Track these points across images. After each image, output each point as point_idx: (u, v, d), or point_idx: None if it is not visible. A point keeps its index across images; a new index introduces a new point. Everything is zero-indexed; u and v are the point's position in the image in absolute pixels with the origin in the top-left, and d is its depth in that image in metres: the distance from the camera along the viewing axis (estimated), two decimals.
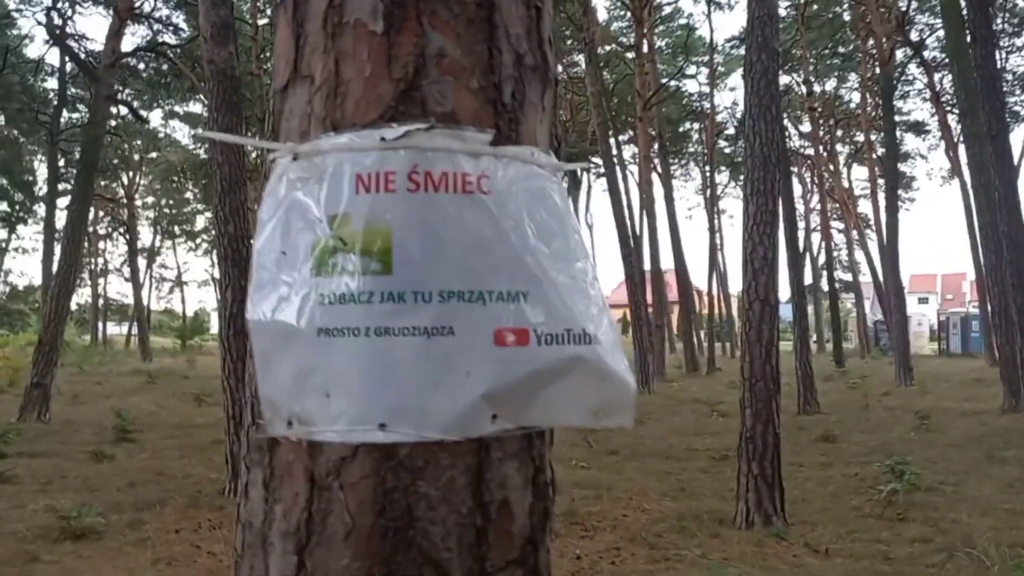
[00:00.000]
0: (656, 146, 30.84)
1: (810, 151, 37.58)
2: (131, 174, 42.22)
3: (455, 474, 0.85)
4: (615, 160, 24.96)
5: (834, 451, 10.39)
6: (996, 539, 5.98)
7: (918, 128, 37.95)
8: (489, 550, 0.85)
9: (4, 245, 38.88)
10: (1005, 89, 25.79)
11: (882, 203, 28.46)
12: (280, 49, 0.98)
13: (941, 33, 23.30)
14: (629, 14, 29.11)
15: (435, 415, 0.85)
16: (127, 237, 43.70)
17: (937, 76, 30.39)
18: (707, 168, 38.09)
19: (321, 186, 0.91)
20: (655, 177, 30.64)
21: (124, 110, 23.90)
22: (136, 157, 41.46)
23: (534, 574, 0.89)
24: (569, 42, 30.48)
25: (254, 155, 23.56)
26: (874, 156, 35.20)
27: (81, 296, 50.29)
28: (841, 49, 34.01)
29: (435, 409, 0.85)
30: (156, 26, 21.68)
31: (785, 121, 34.18)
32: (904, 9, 25.75)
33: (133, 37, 22.27)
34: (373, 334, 0.86)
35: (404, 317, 0.86)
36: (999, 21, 25.98)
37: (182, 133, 43.37)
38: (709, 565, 5.19)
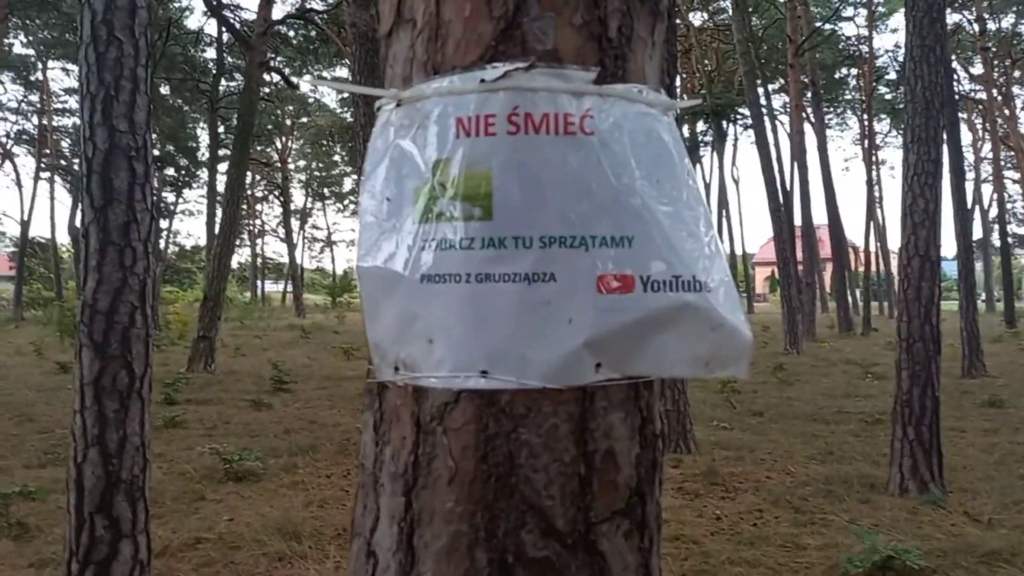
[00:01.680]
0: (809, 94, 29.36)
1: (982, 95, 34.70)
2: (284, 139, 44.27)
3: (557, 422, 0.84)
4: (764, 110, 23.95)
5: (1001, 416, 9.73)
6: None
7: None
8: (593, 499, 0.84)
9: (172, 208, 41.70)
10: None
11: None
12: None
13: None
14: None
15: (536, 362, 0.83)
16: (281, 199, 46.00)
17: None
18: (865, 116, 35.93)
19: (423, 132, 0.90)
20: (807, 127, 29.23)
21: (276, 77, 24.95)
22: (288, 122, 43.37)
23: (641, 525, 0.87)
24: None
25: None
26: None
27: (241, 255, 53.50)
28: None
29: (536, 356, 0.83)
30: None
31: (953, 63, 31.74)
32: None
33: (283, 5, 23.15)
34: (474, 280, 0.85)
35: (504, 263, 0.85)
36: None
37: (330, 97, 44.98)
38: (856, 530, 4.99)
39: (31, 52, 33.61)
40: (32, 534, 5.15)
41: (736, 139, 39.62)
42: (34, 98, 36.25)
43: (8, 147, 36.77)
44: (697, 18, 33.71)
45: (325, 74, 32.41)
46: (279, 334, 23.48)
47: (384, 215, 0.92)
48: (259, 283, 53.15)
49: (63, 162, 36.29)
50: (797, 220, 25.81)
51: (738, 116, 31.70)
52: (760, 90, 25.23)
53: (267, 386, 11.70)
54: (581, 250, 0.84)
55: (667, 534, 5.19)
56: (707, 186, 40.55)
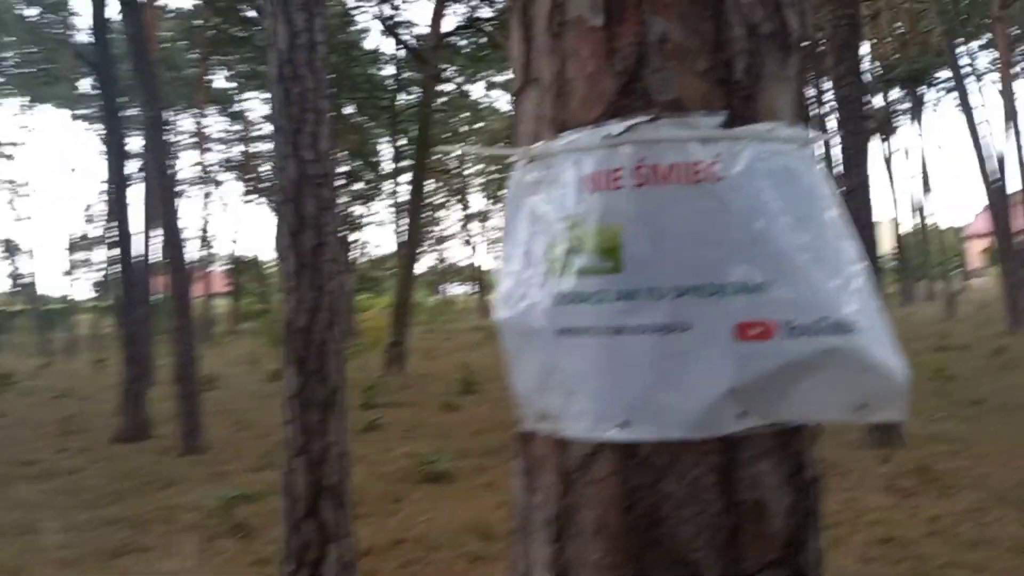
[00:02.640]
0: (1021, 48, 26.70)
1: None
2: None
3: (701, 473, 0.83)
4: (967, 72, 22.06)
5: None
6: None
7: None
8: (744, 551, 0.82)
9: (361, 220, 44.04)
10: None
11: None
12: (514, 54, 1.00)
13: None
14: None
15: (676, 413, 0.83)
16: (461, 204, 47.46)
17: None
18: None
19: (554, 187, 0.92)
20: (1020, 85, 26.58)
21: (450, 87, 25.76)
22: (463, 129, 44.65)
23: (799, 575, 0.84)
24: None
25: None
26: None
27: (426, 261, 55.59)
28: None
29: (676, 407, 0.83)
30: (472, 2, 23.02)
31: None
32: None
33: (454, 16, 23.85)
34: (608, 333, 0.86)
35: (638, 315, 0.85)
36: None
37: (502, 101, 45.91)
38: None
39: (232, 85, 36.58)
40: (253, 534, 5.63)
41: (938, 104, 36.53)
42: (237, 127, 39.49)
43: (216, 175, 40.28)
44: None
45: (496, 79, 33.14)
46: (465, 336, 24.25)
47: (521, 267, 0.95)
48: (442, 287, 55.10)
49: (264, 184, 39.24)
50: (1014, 187, 23.55)
51: (937, 80, 29.30)
52: (962, 49, 23.26)
53: (456, 388, 12.12)
54: (716, 298, 0.83)
55: (877, 536, 4.92)
56: (906, 156, 37.73)
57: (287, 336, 4.18)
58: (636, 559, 0.83)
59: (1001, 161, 22.14)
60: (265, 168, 39.00)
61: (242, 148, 39.80)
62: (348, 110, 30.02)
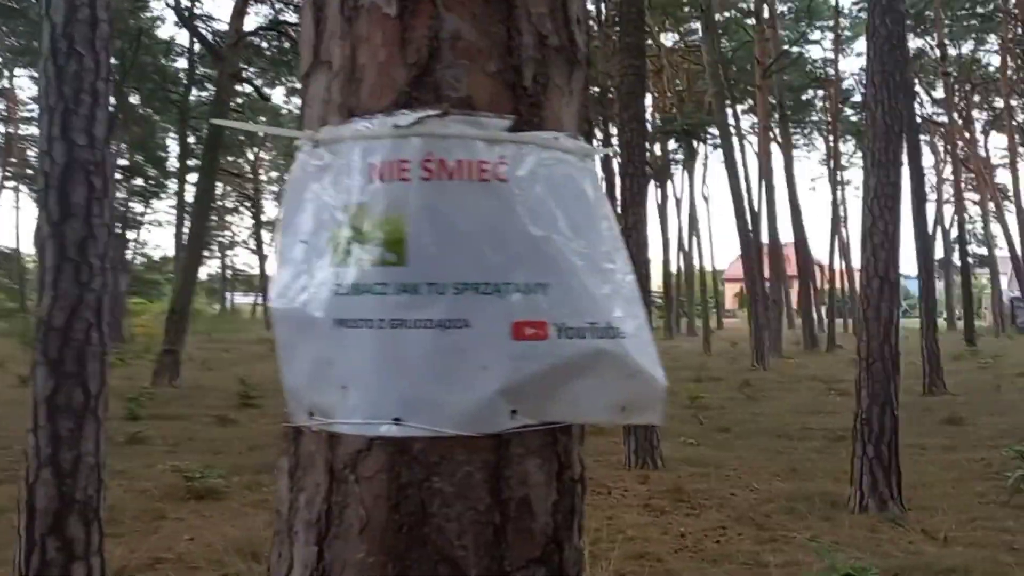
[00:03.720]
0: (776, 115, 29.77)
1: (943, 118, 35.39)
2: (255, 150, 44.02)
3: (472, 470, 0.83)
4: (733, 130, 24.25)
5: (960, 434, 9.88)
6: None
7: None
8: (507, 549, 0.83)
9: (140, 218, 41.25)
10: None
11: (1022, 172, 26.63)
12: (304, 35, 0.97)
13: None
14: None
15: (450, 409, 0.83)
16: (252, 211, 45.69)
17: None
18: (830, 137, 36.49)
19: (339, 175, 0.89)
20: (775, 147, 29.62)
21: (248, 88, 24.84)
22: (260, 133, 43.15)
23: (558, 574, 0.86)
24: (686, 9, 29.66)
25: None
26: (1014, 123, 32.83)
27: (211, 267, 52.98)
28: (980, 9, 31.74)
29: (450, 403, 0.83)
30: (277, 4, 22.38)
31: (916, 87, 32.32)
32: None
33: (256, 16, 23.09)
34: (388, 326, 0.84)
35: (418, 309, 0.84)
36: None
37: None
38: (818, 548, 5.03)
39: None
40: None
41: (707, 158, 39.93)
42: (0, 106, 35.77)
43: None
44: (668, 39, 34.10)
45: (299, 86, 32.27)
46: (248, 347, 23.26)
47: (300, 257, 0.91)
48: (228, 294, 52.65)
49: (29, 171, 35.77)
50: (765, 238, 26.13)
51: (708, 135, 32.05)
52: (729, 111, 25.59)
53: (234, 401, 11.57)
54: (495, 297, 0.84)
55: (632, 552, 5.19)
56: (677, 203, 40.85)
57: (41, 335, 3.79)
58: (400, 558, 0.81)
59: (755, 214, 24.50)
60: (32, 153, 35.60)
61: (3, 129, 36.08)
62: (133, 100, 28.07)
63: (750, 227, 22.14)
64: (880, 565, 4.81)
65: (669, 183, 39.68)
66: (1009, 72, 32.21)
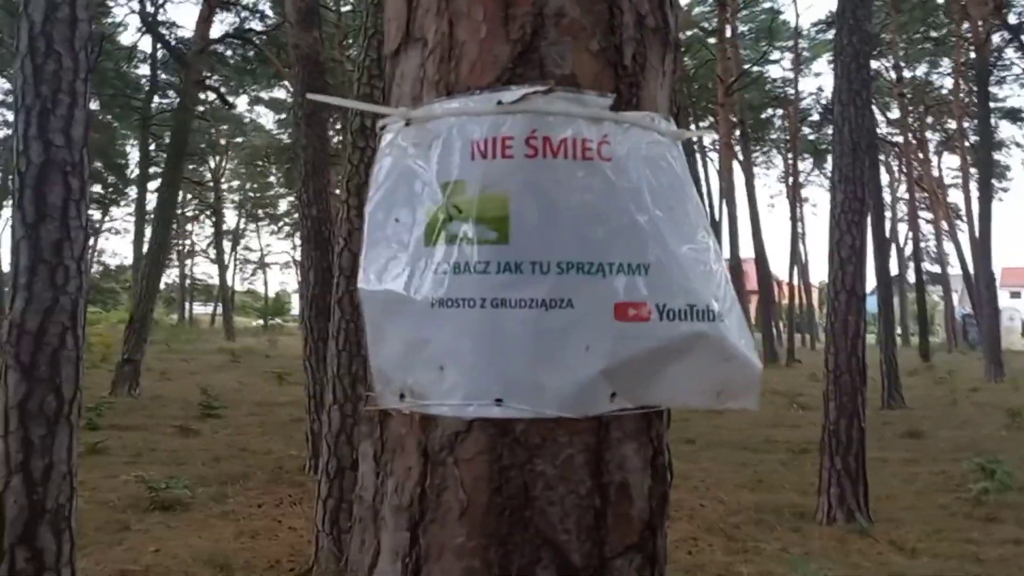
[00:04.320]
0: (737, 133, 30.21)
1: (898, 139, 36.23)
2: (218, 158, 43.49)
3: (573, 452, 0.82)
4: (695, 147, 24.55)
5: (920, 447, 10.06)
6: None
7: (1014, 115, 36.14)
8: (608, 533, 0.82)
9: (98, 226, 40.45)
10: None
11: (974, 192, 27.37)
12: (391, 12, 0.95)
13: None
14: None
15: (552, 391, 0.81)
16: (213, 220, 45.08)
17: None
18: (790, 155, 37.11)
19: (434, 152, 0.88)
20: (736, 165, 30.03)
21: (212, 95, 24.56)
22: (223, 142, 42.65)
23: (652, 560, 0.85)
24: None
25: (335, 140, 23.92)
26: (966, 144, 33.72)
27: (169, 276, 52.12)
28: (934, 33, 32.59)
29: (552, 385, 0.81)
30: (243, 13, 22.18)
31: (873, 107, 33.04)
32: None
33: (221, 24, 22.83)
34: (489, 305, 0.83)
35: (521, 288, 0.82)
36: None
37: (267, 119, 44.40)
38: (791, 559, 5.08)
39: None
40: None
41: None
42: None
43: None
44: None
45: (262, 95, 31.99)
46: (208, 357, 22.86)
47: (391, 235, 0.89)
48: (187, 304, 51.80)
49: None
50: (725, 254, 26.45)
51: (712, 134, 32.39)
52: (691, 128, 25.91)
53: (195, 412, 11.35)
54: (598, 276, 0.83)
55: None
56: None
57: (12, 338, 3.68)
58: (502, 542, 0.79)
59: (717, 229, 24.83)
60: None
61: None
62: (93, 106, 27.58)
63: None
64: None
65: None
66: (961, 95, 33.09)
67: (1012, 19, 26.97)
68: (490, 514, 0.80)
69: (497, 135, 0.84)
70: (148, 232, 18.47)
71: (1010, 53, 30.65)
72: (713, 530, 6.14)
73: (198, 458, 8.35)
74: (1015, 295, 67.78)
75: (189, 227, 50.78)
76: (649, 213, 0.85)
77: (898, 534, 6.12)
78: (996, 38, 27.39)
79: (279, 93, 34.95)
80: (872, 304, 17.73)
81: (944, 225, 39.22)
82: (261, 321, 48.18)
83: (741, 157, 30.74)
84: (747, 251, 29.33)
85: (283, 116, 36.07)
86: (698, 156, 25.24)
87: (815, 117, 37.24)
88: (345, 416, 5.03)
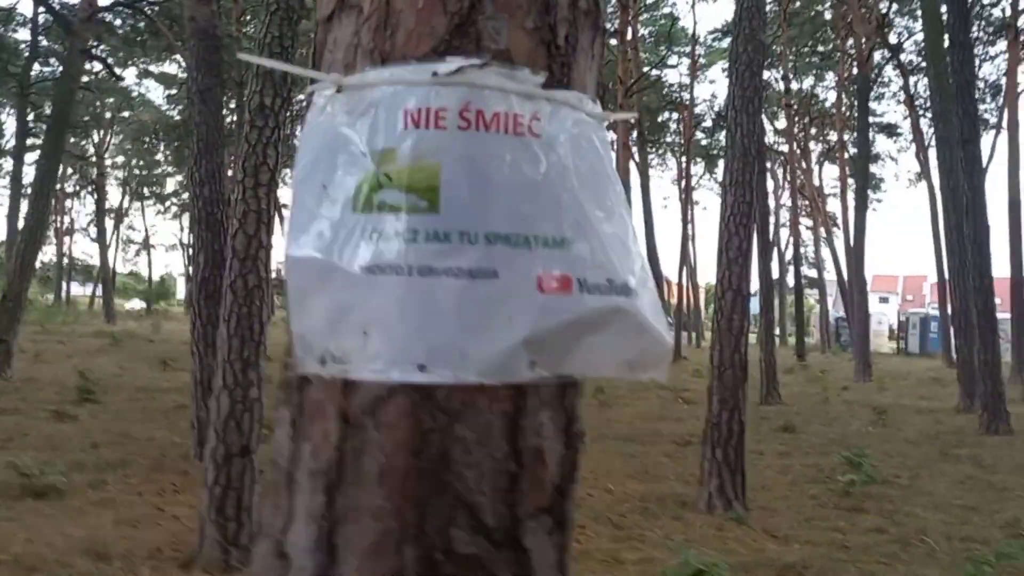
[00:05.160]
0: (635, 134, 30.88)
1: (784, 147, 37.85)
2: (102, 132, 41.45)
3: (492, 418, 0.84)
4: None
5: (794, 441, 10.58)
6: (948, 533, 6.15)
7: (890, 130, 38.36)
8: (521, 496, 0.85)
9: None
10: (977, 96, 26.16)
11: (851, 202, 28.88)
12: None
13: (919, 37, 23.57)
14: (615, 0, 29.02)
15: (475, 358, 0.83)
16: (95, 196, 42.98)
17: (912, 79, 30.70)
18: (683, 159, 38.23)
19: (367, 120, 0.88)
20: (632, 165, 30.70)
21: (98, 66, 23.41)
22: (108, 115, 40.67)
23: (562, 523, 0.89)
24: None
25: (228, 119, 23.18)
26: (846, 156, 35.57)
27: (46, 254, 49.44)
28: (820, 48, 34.23)
29: (475, 352, 0.83)
30: None
31: (762, 116, 34.40)
32: (884, 11, 25.99)
33: None
34: (416, 273, 0.84)
35: (448, 257, 0.84)
36: (975, 29, 26.30)
37: (156, 93, 42.60)
38: (672, 546, 5.26)
39: None
40: None
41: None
42: None
43: None
44: None
45: (152, 68, 30.63)
46: (86, 341, 21.82)
47: (319, 202, 0.89)
48: (64, 284, 49.19)
49: None
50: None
51: (634, 115, 32.86)
52: None
53: (72, 396, 10.83)
54: (524, 249, 0.85)
55: None
56: None
57: None
58: (420, 504, 0.81)
59: None
60: None
61: None
62: None
63: None
64: (728, 561, 5.08)
65: None
66: (843, 108, 34.87)
67: (892, 39, 28.61)
68: (408, 477, 0.82)
69: (431, 106, 0.86)
70: (24, 207, 17.44)
71: (889, 71, 32.58)
72: (600, 519, 6.29)
73: (75, 444, 7.99)
74: (884, 300, 72.07)
75: (69, 203, 48.31)
76: (574, 190, 0.89)
77: (772, 522, 6.43)
78: (877, 56, 29.00)
79: (170, 67, 33.63)
80: (754, 305, 18.52)
81: (822, 232, 41.27)
82: (144, 304, 46.25)
83: (637, 158, 31.46)
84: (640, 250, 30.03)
85: (174, 91, 34.70)
86: None
87: (708, 123, 38.54)
88: (235, 402, 4.91)
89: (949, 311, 18.74)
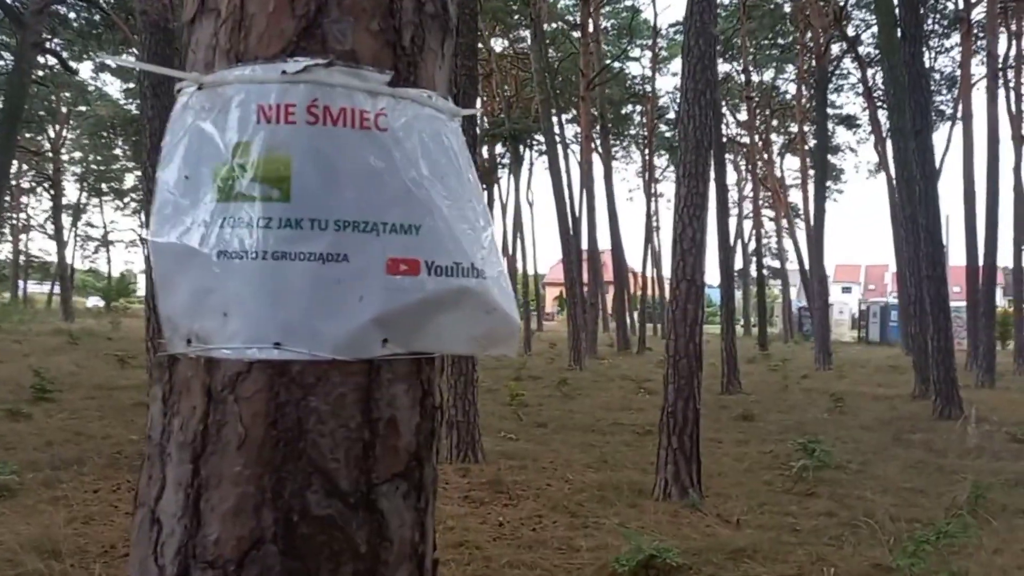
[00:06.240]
0: (598, 127, 31.02)
1: (746, 139, 38.28)
2: (57, 127, 40.71)
3: (345, 391, 0.90)
4: (557, 138, 25.08)
5: (752, 429, 10.74)
6: (895, 515, 6.31)
7: (849, 122, 38.90)
8: (375, 463, 0.91)
9: None
10: (932, 88, 26.64)
11: (811, 193, 29.28)
12: None
13: (875, 30, 23.95)
14: None
15: (327, 336, 0.90)
16: (51, 192, 42.21)
17: (870, 72, 31.18)
18: (647, 151, 38.49)
19: (224, 115, 0.94)
20: (596, 158, 30.87)
21: (52, 60, 23.01)
22: (64, 110, 39.96)
23: (418, 487, 0.95)
24: (516, 17, 30.34)
25: None
26: (806, 147, 36.04)
27: (1, 252, 48.55)
28: (780, 40, 34.63)
29: (327, 330, 0.90)
30: None
31: (723, 109, 34.80)
32: (841, 4, 26.35)
33: None
34: (271, 258, 0.90)
35: (301, 243, 0.90)
36: (929, 22, 26.79)
37: (113, 87, 41.95)
38: (625, 532, 5.35)
39: None
40: None
41: (532, 164, 41.01)
42: None
43: None
44: (498, 44, 34.78)
45: (109, 61, 30.16)
46: (43, 339, 21.47)
47: (181, 192, 0.95)
48: (20, 282, 48.28)
49: None
50: (584, 244, 27.19)
51: (534, 142, 32.97)
52: (554, 119, 26.44)
53: (27, 395, 10.67)
54: (373, 235, 0.92)
55: (451, 541, 5.30)
56: (503, 207, 41.61)
57: None
58: (276, 470, 0.86)
59: (576, 220, 25.53)
60: None
61: None
62: None
63: (571, 232, 23.01)
64: (680, 547, 5.17)
65: (496, 187, 40.40)
66: (803, 100, 35.33)
67: (850, 31, 29.02)
68: (265, 446, 0.88)
69: (281, 102, 0.92)
70: None
71: (847, 63, 33.03)
72: (557, 508, 6.37)
73: (29, 443, 7.89)
74: (846, 290, 73.11)
75: (24, 200, 47.41)
76: (422, 180, 0.95)
77: (725, 508, 6.54)
78: (835, 48, 29.44)
79: (129, 60, 33.08)
80: (716, 296, 18.77)
81: (784, 223, 41.81)
82: (103, 302, 45.59)
83: (601, 151, 31.62)
84: (605, 242, 30.24)
85: (131, 85, 34.22)
86: (560, 147, 25.74)
87: (671, 115, 38.80)
88: None
89: (906, 300, 19.12)
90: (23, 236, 49.03)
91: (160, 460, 0.93)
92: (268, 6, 0.93)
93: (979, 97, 27.39)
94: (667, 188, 45.03)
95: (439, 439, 0.98)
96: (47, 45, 19.52)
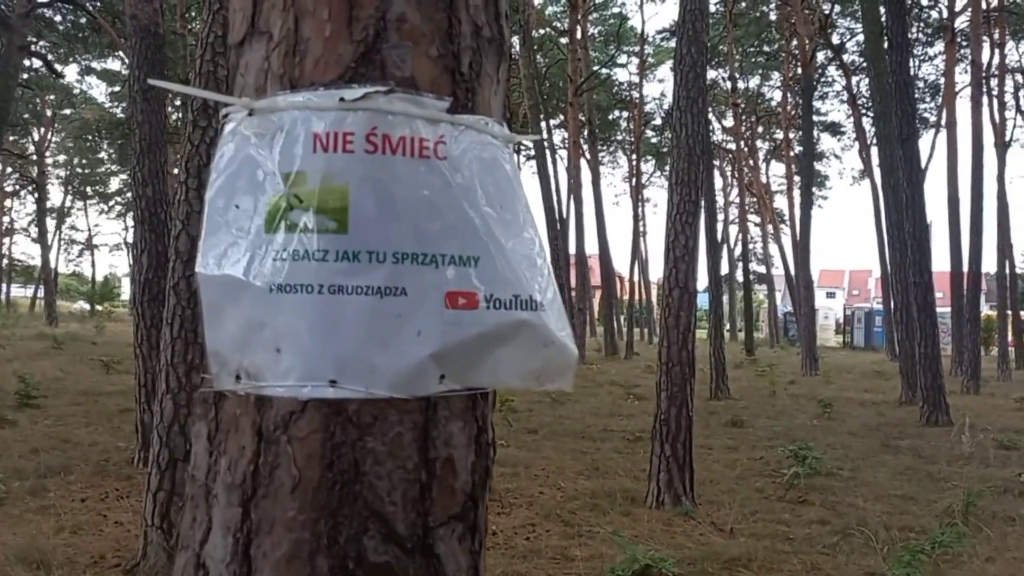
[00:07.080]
0: (585, 132, 31.08)
1: (732, 146, 38.43)
2: (42, 130, 40.36)
3: (402, 430, 0.87)
4: (545, 144, 25.10)
5: (741, 435, 10.76)
6: (887, 523, 6.33)
7: (834, 129, 39.17)
8: (432, 505, 0.88)
9: None
10: (916, 96, 26.82)
11: (797, 199, 29.44)
12: (236, 3, 0.97)
13: (861, 38, 24.12)
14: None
15: (384, 373, 0.86)
16: (36, 196, 41.81)
17: (855, 79, 31.41)
18: (634, 157, 38.59)
19: (276, 143, 0.91)
20: (583, 163, 30.91)
21: (38, 63, 22.79)
22: (49, 113, 39.63)
23: (473, 529, 0.92)
24: None
25: (175, 116, 22.77)
26: (791, 154, 36.26)
27: None
28: (766, 48, 34.82)
29: (384, 367, 0.86)
30: None
31: (710, 115, 34.95)
32: (827, 12, 26.53)
33: None
34: (326, 291, 0.87)
35: (358, 276, 0.87)
36: (914, 30, 27.00)
37: (99, 90, 41.66)
38: (619, 541, 5.33)
39: None
40: None
41: (519, 168, 40.95)
42: None
43: None
44: None
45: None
46: (27, 344, 21.23)
47: (231, 222, 0.91)
48: (4, 287, 47.77)
49: None
50: (572, 249, 27.21)
51: (522, 147, 33.01)
52: (543, 124, 26.46)
53: (11, 401, 10.54)
54: (431, 267, 0.89)
55: None
56: None
57: None
58: (332, 514, 0.83)
59: (564, 225, 25.55)
60: None
61: None
62: None
63: (559, 237, 23.02)
64: (675, 556, 5.16)
65: None
66: (788, 107, 35.53)
67: (835, 39, 29.22)
68: (321, 489, 0.84)
69: (339, 130, 0.89)
70: None
71: (832, 71, 33.25)
72: (551, 516, 6.34)
73: (14, 450, 7.79)
74: (830, 295, 73.55)
75: (8, 203, 46.95)
76: (480, 210, 0.92)
77: (718, 516, 6.54)
78: (820, 56, 29.62)
79: (113, 64, 32.88)
80: (704, 301, 18.80)
81: (770, 228, 42.01)
82: (88, 306, 45.19)
83: (588, 156, 31.66)
84: (592, 247, 30.27)
85: (117, 88, 33.95)
86: (548, 153, 25.80)
87: (658, 121, 38.95)
88: (178, 406, 4.85)
89: (892, 306, 19.23)
90: (7, 239, 48.54)
91: (205, 502, 0.90)
92: (324, 30, 0.90)
93: (962, 105, 27.64)
94: (653, 193, 45.24)
95: (492, 476, 0.96)
96: (33, 48, 19.35)
